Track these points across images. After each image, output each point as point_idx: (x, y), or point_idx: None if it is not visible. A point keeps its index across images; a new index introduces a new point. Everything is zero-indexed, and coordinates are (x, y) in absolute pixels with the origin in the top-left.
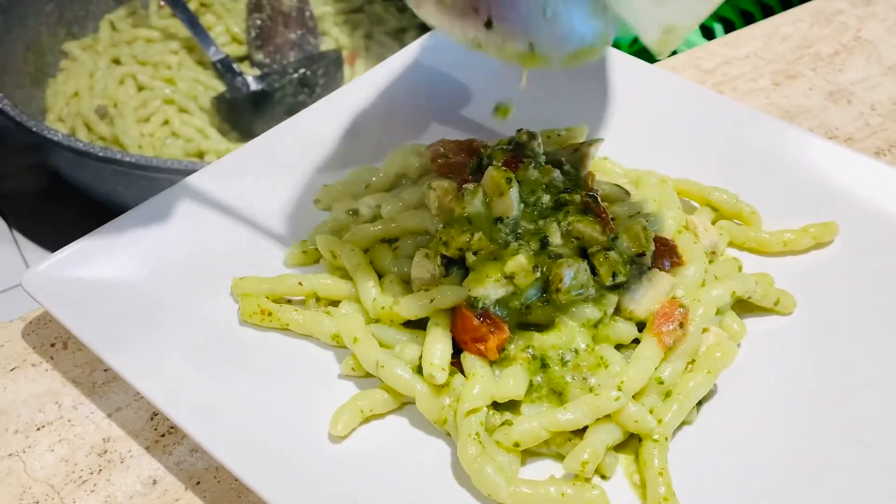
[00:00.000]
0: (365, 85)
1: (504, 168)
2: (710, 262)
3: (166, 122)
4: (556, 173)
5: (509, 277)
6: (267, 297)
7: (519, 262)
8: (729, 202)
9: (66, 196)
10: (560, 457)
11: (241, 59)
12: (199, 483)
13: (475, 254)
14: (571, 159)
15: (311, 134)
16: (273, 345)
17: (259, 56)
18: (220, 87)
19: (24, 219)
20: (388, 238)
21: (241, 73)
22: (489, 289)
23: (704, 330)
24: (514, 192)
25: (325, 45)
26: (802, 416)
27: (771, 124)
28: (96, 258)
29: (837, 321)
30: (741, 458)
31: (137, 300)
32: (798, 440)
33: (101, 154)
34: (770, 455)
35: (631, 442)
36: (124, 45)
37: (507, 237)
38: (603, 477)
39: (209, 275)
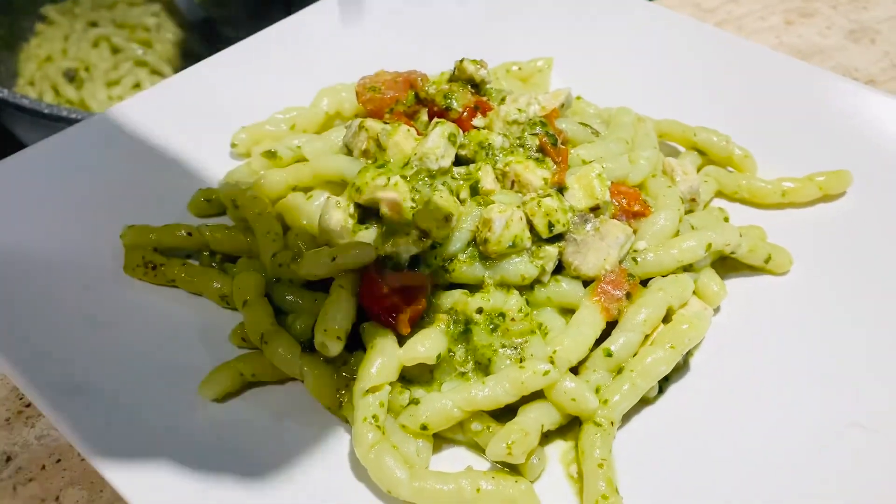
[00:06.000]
0: (302, 20)
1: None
2: (690, 211)
3: (137, 86)
4: (521, 115)
5: (424, 232)
6: (156, 250)
7: (437, 202)
8: (718, 144)
9: None
10: (483, 451)
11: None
12: (59, 461)
13: None
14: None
15: (235, 72)
16: (161, 304)
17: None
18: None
19: None
20: (302, 187)
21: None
22: (401, 246)
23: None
24: (438, 130)
25: None
26: (789, 399)
27: (776, 60)
28: None
29: (841, 286)
30: (710, 449)
31: (13, 251)
32: (783, 427)
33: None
34: (746, 446)
35: (573, 427)
36: (104, 9)
37: (434, 184)
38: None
39: (103, 222)
